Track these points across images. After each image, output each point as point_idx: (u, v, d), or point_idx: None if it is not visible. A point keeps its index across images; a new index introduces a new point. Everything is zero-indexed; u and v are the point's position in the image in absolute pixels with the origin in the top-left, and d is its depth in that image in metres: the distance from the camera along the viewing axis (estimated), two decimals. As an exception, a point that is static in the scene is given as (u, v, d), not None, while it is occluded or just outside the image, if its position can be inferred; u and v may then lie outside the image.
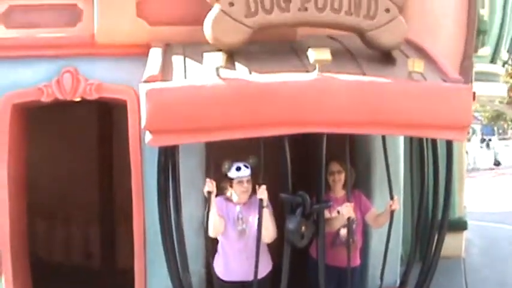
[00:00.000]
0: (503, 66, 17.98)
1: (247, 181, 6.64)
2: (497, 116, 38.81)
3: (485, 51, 15.02)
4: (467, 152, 19.31)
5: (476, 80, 11.70)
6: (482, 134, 39.27)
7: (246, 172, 6.60)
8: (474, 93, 8.87)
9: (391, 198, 7.03)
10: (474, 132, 32.21)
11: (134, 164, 7.32)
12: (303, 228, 6.59)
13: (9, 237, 7.48)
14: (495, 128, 43.60)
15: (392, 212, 7.01)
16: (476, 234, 13.43)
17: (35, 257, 8.46)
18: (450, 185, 7.47)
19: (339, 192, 7.21)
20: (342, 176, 7.15)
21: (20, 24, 7.61)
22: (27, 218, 8.15)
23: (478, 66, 12.73)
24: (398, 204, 7.19)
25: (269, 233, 6.62)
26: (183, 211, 6.70)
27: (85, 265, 9.73)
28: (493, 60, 16.28)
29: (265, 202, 6.52)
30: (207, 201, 6.53)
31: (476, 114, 29.39)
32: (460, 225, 11.47)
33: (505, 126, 44.86)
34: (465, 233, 11.86)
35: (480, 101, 19.72)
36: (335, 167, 7.13)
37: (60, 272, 9.24)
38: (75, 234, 9.75)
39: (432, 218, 7.48)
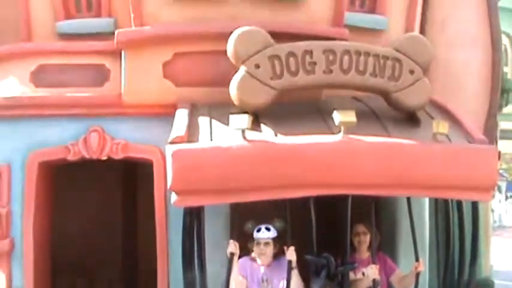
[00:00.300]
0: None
1: (265, 244, 6.62)
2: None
3: (510, 109, 15.01)
4: (492, 210, 19.14)
5: (501, 138, 11.70)
6: (507, 191, 38.85)
7: (264, 234, 6.59)
8: (499, 152, 8.87)
9: (417, 259, 6.96)
10: (499, 189, 31.92)
11: (159, 224, 7.32)
12: (328, 290, 6.56)
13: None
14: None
15: (417, 274, 6.94)
16: (503, 294, 13.22)
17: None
18: (476, 244, 7.38)
19: (364, 253, 7.16)
20: (367, 238, 7.11)
21: (48, 83, 7.74)
22: (51, 275, 8.16)
23: (503, 124, 12.71)
24: (424, 265, 7.13)
25: (297, 294, 6.58)
26: (208, 272, 6.68)
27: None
28: (517, 118, 16.29)
29: (294, 263, 6.49)
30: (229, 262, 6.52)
31: (501, 171, 29.19)
32: (487, 285, 11.29)
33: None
34: (492, 293, 11.68)
35: (505, 158, 19.69)
36: (360, 228, 7.10)
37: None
38: (98, 293, 9.72)
39: (458, 278, 7.38)
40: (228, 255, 6.49)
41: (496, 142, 9.73)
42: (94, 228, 9.43)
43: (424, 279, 7.47)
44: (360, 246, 7.16)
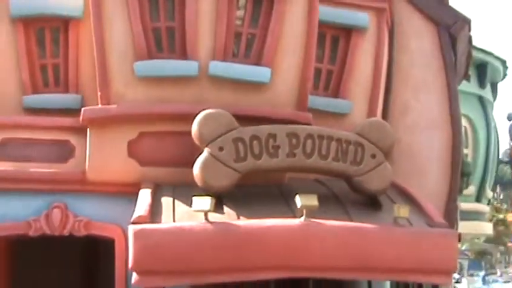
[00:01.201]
0: (488, 204, 18.17)
1: None
2: (484, 252, 38.78)
3: (470, 190, 15.22)
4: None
5: (461, 219, 11.80)
6: (469, 269, 38.89)
7: None
8: (459, 234, 8.96)
9: None
10: (461, 267, 31.98)
11: (119, 304, 7.26)
12: None
13: None
14: (482, 263, 43.34)
15: None
16: None
17: None
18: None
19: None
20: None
21: (12, 157, 7.70)
22: None
23: (463, 206, 12.84)
24: None
25: None
26: None
27: None
28: (478, 199, 16.51)
29: None
30: None
31: (463, 248, 29.28)
32: None
33: (493, 261, 44.75)
34: None
35: (465, 239, 19.86)
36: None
37: None
38: None
39: None
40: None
41: (457, 224, 9.84)
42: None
43: None
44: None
